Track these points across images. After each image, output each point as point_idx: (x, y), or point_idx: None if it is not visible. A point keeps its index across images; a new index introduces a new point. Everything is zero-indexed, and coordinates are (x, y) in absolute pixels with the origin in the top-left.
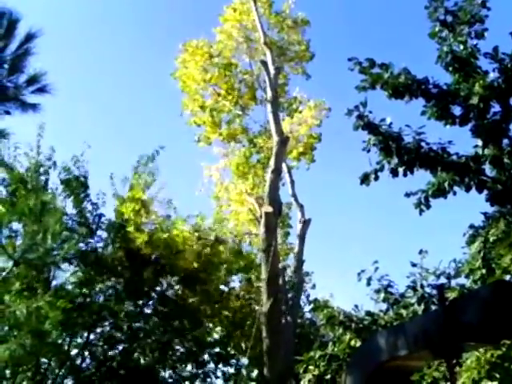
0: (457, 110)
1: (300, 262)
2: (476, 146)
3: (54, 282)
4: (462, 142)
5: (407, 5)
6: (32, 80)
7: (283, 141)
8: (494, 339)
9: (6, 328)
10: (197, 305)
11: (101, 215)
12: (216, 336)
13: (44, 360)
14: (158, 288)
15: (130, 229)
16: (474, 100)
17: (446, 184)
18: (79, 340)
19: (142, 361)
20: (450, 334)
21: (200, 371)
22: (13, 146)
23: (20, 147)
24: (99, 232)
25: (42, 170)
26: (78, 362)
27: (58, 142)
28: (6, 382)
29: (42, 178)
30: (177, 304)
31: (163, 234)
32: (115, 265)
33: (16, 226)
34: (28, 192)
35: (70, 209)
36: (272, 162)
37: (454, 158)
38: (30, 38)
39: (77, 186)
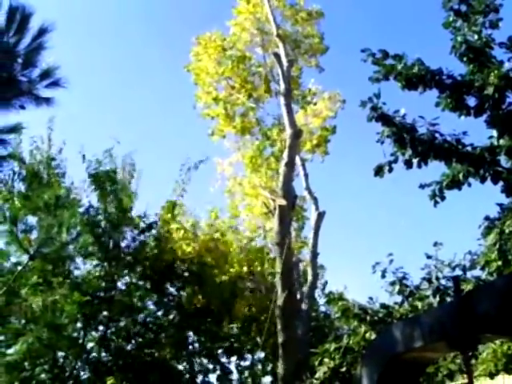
0: (471, 101)
1: (314, 254)
2: (491, 137)
3: (70, 276)
4: (477, 133)
5: None
6: (45, 74)
7: (297, 133)
8: (510, 331)
9: (23, 321)
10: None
11: (125, 210)
12: (232, 330)
13: (61, 353)
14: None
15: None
16: (489, 90)
17: (461, 175)
18: (94, 333)
19: (157, 354)
20: (465, 325)
21: (215, 365)
22: (26, 140)
23: (35, 141)
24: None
25: (53, 163)
26: (95, 355)
27: (71, 136)
28: (24, 373)
29: (55, 171)
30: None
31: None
32: (143, 264)
33: (30, 220)
34: (42, 186)
35: (95, 203)
36: (285, 155)
37: (469, 149)
38: (42, 32)
39: (104, 180)
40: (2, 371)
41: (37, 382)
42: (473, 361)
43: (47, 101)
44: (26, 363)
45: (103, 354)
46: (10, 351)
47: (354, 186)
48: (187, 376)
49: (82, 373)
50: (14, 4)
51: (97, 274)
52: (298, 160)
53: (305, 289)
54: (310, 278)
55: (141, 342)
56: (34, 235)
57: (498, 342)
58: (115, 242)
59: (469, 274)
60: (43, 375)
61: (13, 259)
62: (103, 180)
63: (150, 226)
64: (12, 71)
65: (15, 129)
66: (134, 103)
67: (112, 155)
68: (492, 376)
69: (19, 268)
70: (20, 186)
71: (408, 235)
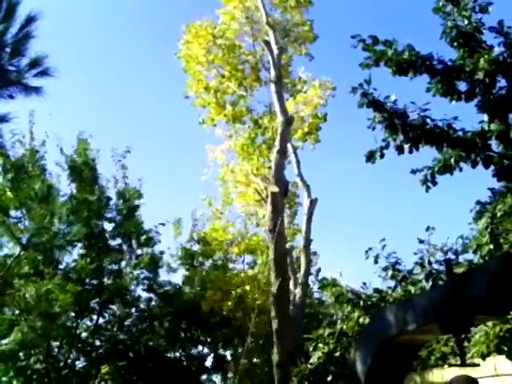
0: (462, 86)
1: (307, 241)
2: (482, 122)
3: (61, 266)
4: (468, 117)
5: None
6: (34, 63)
7: (288, 121)
8: (502, 311)
9: (17, 312)
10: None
11: (108, 198)
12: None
13: (55, 343)
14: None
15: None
16: (480, 75)
17: (452, 160)
18: (88, 322)
19: (151, 343)
20: (458, 307)
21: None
22: (9, 133)
23: (17, 133)
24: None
25: (37, 156)
26: (89, 344)
27: (58, 126)
28: (19, 363)
29: (39, 164)
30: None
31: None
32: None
33: (17, 212)
34: (28, 178)
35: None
36: (277, 143)
37: (460, 133)
38: (30, 20)
39: (84, 170)
40: None
41: (32, 371)
42: (465, 343)
43: (36, 90)
44: (20, 353)
45: (97, 342)
46: (4, 341)
47: (346, 172)
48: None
49: (76, 362)
50: None
51: (84, 262)
52: (289, 147)
53: (298, 275)
54: (303, 264)
55: (134, 330)
56: (22, 226)
57: (490, 324)
58: (99, 230)
59: (461, 258)
60: (38, 365)
61: (5, 250)
62: (81, 170)
63: (132, 209)
64: (0, 60)
65: (4, 119)
66: (123, 92)
67: (88, 144)
68: (484, 357)
69: (12, 258)
70: (3, 179)
71: (401, 220)
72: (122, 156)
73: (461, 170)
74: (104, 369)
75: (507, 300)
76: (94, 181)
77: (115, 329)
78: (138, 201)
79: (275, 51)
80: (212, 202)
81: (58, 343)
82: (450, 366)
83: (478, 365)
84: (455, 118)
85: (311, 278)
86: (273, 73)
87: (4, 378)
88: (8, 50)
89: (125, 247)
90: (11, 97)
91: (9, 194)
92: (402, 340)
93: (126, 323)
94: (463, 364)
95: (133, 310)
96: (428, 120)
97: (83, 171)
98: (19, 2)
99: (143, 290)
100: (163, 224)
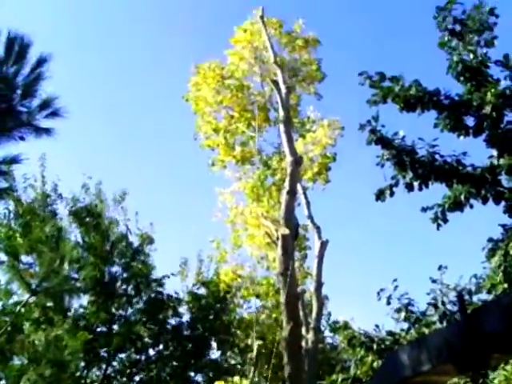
0: (470, 121)
1: (319, 284)
2: (491, 157)
3: (69, 312)
4: (477, 153)
5: (416, 16)
6: (45, 104)
7: (297, 161)
8: None
9: (26, 360)
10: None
11: (113, 243)
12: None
13: None
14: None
15: None
16: (487, 109)
17: (462, 197)
18: (97, 372)
19: None
20: (473, 344)
21: None
22: (20, 177)
23: (29, 178)
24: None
25: (48, 200)
26: None
27: (66, 169)
28: None
29: (50, 208)
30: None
31: None
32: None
33: (27, 258)
34: (39, 222)
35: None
36: (287, 184)
37: (470, 169)
38: (41, 62)
39: (86, 215)
40: None
41: None
42: None
43: (47, 131)
44: None
45: None
46: None
47: (356, 212)
48: None
49: None
50: (12, 34)
51: (93, 309)
52: (299, 188)
53: (310, 320)
54: (314, 308)
55: (144, 378)
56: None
57: (509, 368)
58: (109, 276)
59: (475, 298)
60: None
61: (15, 297)
62: (84, 216)
63: (137, 250)
64: (11, 102)
65: (15, 160)
66: (134, 134)
67: (88, 189)
68: None
69: (21, 304)
70: (17, 224)
71: (413, 260)
72: (120, 199)
73: (471, 206)
74: None
75: None
76: (96, 226)
77: (125, 378)
78: (149, 246)
79: (283, 90)
80: (220, 245)
81: None
82: None
83: None
84: (464, 154)
85: (322, 323)
86: (281, 113)
87: None
88: (19, 91)
89: (131, 290)
90: (22, 138)
91: (19, 239)
92: (418, 381)
93: (135, 369)
94: None
95: (143, 356)
96: (437, 156)
97: (85, 216)
98: (30, 44)
99: (150, 335)
100: (169, 276)
